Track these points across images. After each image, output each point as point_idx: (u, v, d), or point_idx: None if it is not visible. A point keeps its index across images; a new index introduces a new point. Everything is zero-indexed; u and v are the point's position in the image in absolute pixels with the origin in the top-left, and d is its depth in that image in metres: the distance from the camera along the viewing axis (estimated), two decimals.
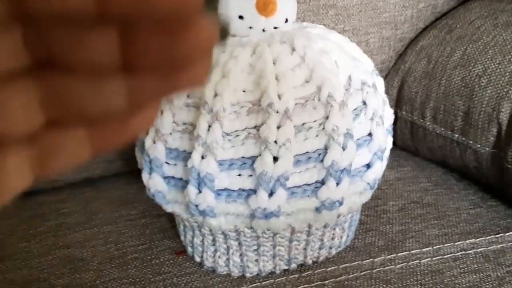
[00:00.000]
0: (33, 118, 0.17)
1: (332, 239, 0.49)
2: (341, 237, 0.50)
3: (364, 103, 0.46)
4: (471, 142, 0.61)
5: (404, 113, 0.70)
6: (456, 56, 0.63)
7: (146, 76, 0.17)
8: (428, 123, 0.66)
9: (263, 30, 0.48)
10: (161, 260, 0.51)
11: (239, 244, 0.47)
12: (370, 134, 0.46)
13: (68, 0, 0.14)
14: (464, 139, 0.62)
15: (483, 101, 0.59)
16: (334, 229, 0.49)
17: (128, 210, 0.59)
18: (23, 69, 0.16)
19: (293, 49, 0.45)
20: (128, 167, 0.67)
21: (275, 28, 0.48)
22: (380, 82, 0.50)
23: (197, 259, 0.50)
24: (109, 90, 0.17)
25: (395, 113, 0.71)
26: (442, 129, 0.64)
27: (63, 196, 0.64)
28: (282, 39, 0.46)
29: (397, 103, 0.71)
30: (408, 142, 0.72)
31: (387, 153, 0.49)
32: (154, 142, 0.45)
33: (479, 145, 0.60)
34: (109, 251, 0.53)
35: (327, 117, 0.43)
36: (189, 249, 0.51)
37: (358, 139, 0.45)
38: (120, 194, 0.63)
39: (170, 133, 0.44)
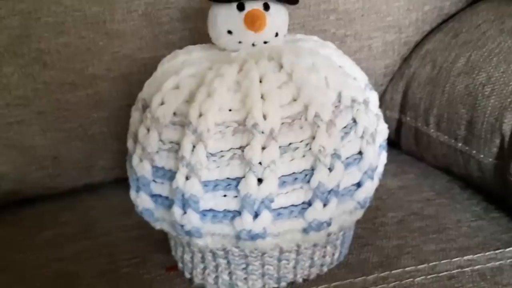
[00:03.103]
0: None
1: (323, 256, 0.49)
2: (333, 254, 0.49)
3: (354, 120, 0.45)
4: (474, 152, 0.59)
5: (408, 119, 0.68)
6: (460, 63, 0.61)
7: None
8: (432, 130, 0.64)
9: (253, 45, 0.47)
10: (152, 275, 0.51)
11: (228, 262, 0.47)
12: (360, 153, 0.45)
13: None
14: (467, 148, 0.60)
15: (486, 111, 0.57)
16: (325, 247, 0.48)
17: (125, 220, 0.59)
18: None
19: (281, 66, 0.44)
20: None
21: (265, 42, 0.47)
22: (373, 97, 0.49)
23: (187, 275, 0.50)
24: None
25: (400, 119, 0.70)
26: (446, 137, 0.63)
27: (62, 204, 0.64)
28: (270, 55, 0.45)
29: (402, 108, 0.69)
30: (413, 148, 0.70)
31: (380, 170, 0.48)
32: (141, 160, 0.45)
33: (482, 156, 0.58)
34: (102, 264, 0.53)
35: (313, 137, 0.42)
36: (180, 264, 0.51)
37: (347, 158, 0.44)
38: (119, 202, 0.62)
39: (157, 152, 0.44)
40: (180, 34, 0.61)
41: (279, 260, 0.47)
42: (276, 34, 0.47)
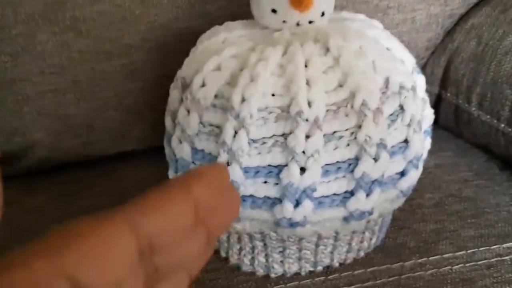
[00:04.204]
0: None
1: (361, 242, 0.48)
2: (371, 239, 0.49)
3: (402, 107, 0.43)
4: None
5: (449, 95, 0.66)
6: (508, 41, 0.59)
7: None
8: (474, 108, 0.62)
9: (298, 24, 0.45)
10: None
11: (265, 245, 0.46)
12: (406, 141, 0.44)
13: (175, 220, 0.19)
14: (510, 130, 0.58)
15: None
16: (364, 233, 0.47)
17: None
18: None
19: (327, 49, 0.43)
20: (162, 142, 0.66)
21: (310, 22, 0.45)
22: (421, 81, 0.47)
23: (223, 254, 0.50)
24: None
25: (440, 94, 0.68)
26: (488, 116, 0.61)
27: (95, 172, 0.64)
28: (316, 37, 0.44)
29: (442, 84, 0.67)
30: (451, 124, 0.68)
31: (424, 156, 0.47)
32: (180, 142, 0.44)
33: None
34: None
35: (359, 126, 0.41)
36: (216, 243, 0.51)
37: (393, 146, 0.43)
38: (151, 172, 0.62)
39: (197, 134, 0.43)
40: (218, 4, 0.59)
41: (317, 245, 0.46)
42: (322, 14, 0.45)
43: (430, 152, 0.64)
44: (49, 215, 0.58)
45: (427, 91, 0.68)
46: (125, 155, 0.67)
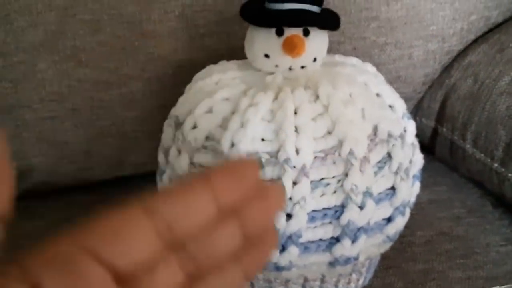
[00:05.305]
0: None
1: (348, 283, 0.48)
2: (358, 280, 0.49)
3: (389, 155, 0.44)
4: (510, 175, 0.58)
5: (444, 130, 0.66)
6: (504, 81, 0.59)
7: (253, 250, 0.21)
8: (468, 146, 0.63)
9: (290, 69, 0.46)
10: None
11: (252, 284, 0.47)
12: (393, 188, 0.44)
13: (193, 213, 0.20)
14: (503, 170, 0.59)
15: None
16: (351, 274, 0.48)
17: None
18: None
19: (317, 96, 0.43)
20: None
21: (303, 67, 0.46)
22: (411, 126, 0.47)
23: None
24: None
25: (435, 128, 0.68)
26: (482, 155, 0.61)
27: (93, 197, 0.65)
28: (307, 83, 0.44)
29: (438, 119, 0.67)
30: (447, 158, 0.69)
31: (412, 201, 0.47)
32: (171, 181, 0.45)
33: None
34: None
35: (346, 174, 0.41)
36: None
37: (379, 193, 0.43)
38: None
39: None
40: (217, 37, 0.60)
41: (303, 287, 0.47)
42: (315, 59, 0.46)
43: (425, 186, 0.64)
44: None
45: (424, 124, 0.69)
46: (123, 180, 0.68)
